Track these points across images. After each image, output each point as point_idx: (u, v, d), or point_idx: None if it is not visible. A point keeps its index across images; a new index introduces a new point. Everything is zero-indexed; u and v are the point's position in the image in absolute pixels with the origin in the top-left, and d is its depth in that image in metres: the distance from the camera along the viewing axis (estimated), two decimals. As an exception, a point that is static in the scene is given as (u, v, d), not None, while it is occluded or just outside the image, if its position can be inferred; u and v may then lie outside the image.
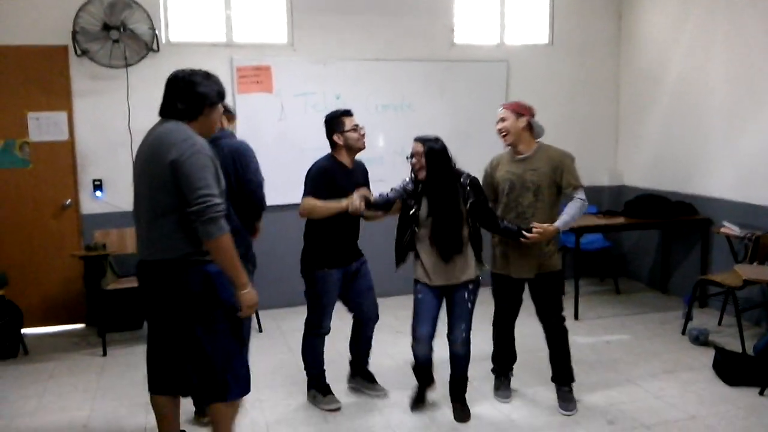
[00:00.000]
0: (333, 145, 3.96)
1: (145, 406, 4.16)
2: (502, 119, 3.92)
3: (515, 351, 4.28)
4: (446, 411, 4.00)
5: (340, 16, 6.20)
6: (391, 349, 4.90)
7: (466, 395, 4.02)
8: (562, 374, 4.08)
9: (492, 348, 4.28)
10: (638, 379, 4.47)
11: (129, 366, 4.83)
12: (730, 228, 5.41)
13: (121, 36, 5.51)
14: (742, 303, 5.09)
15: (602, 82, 7.15)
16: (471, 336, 3.88)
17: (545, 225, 3.78)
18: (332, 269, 3.93)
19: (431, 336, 3.82)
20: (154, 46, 5.68)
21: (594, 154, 7.17)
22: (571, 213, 3.85)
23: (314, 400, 4.12)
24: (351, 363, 4.33)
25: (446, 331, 3.88)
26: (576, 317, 5.76)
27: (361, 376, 4.31)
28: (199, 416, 3.86)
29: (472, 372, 4.01)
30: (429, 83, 6.50)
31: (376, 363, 4.47)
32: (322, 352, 4.12)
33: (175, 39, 5.87)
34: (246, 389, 3.05)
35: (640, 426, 3.81)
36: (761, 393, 4.15)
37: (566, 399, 4.04)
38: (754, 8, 5.39)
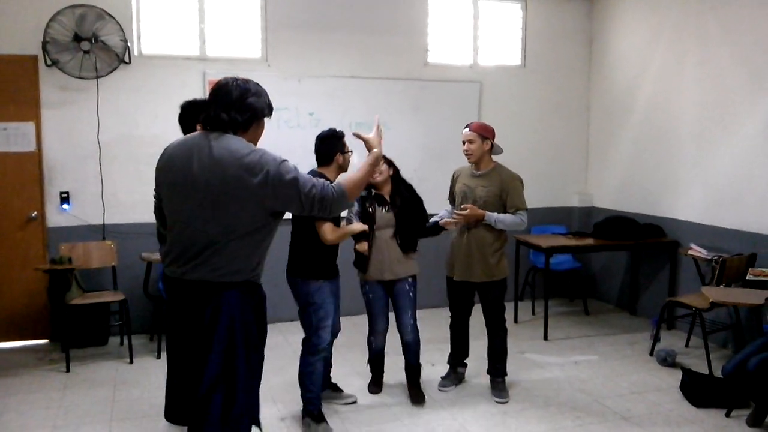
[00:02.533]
0: (327, 162, 3.90)
1: (107, 423, 4.08)
2: (470, 141, 4.33)
3: (468, 347, 4.70)
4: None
5: (315, 32, 6.19)
6: (361, 368, 4.84)
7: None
8: (497, 369, 4.51)
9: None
10: (606, 399, 4.49)
11: (93, 383, 4.72)
12: (698, 250, 5.48)
13: (92, 47, 5.45)
14: (709, 325, 5.15)
15: (573, 105, 7.23)
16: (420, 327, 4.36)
17: (474, 207, 4.24)
18: (327, 281, 3.89)
19: (387, 329, 4.38)
20: (126, 58, 5.62)
21: (564, 175, 7.26)
22: (505, 217, 4.28)
23: (308, 428, 3.90)
24: None
25: (395, 325, 4.33)
26: (545, 338, 5.78)
27: (330, 389, 4.34)
28: None
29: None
30: (403, 102, 6.51)
31: (347, 384, 4.49)
32: (321, 374, 4.00)
33: (148, 51, 5.81)
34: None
35: (609, 447, 3.82)
36: (727, 415, 4.18)
37: (500, 389, 4.48)
38: (724, 34, 5.50)
